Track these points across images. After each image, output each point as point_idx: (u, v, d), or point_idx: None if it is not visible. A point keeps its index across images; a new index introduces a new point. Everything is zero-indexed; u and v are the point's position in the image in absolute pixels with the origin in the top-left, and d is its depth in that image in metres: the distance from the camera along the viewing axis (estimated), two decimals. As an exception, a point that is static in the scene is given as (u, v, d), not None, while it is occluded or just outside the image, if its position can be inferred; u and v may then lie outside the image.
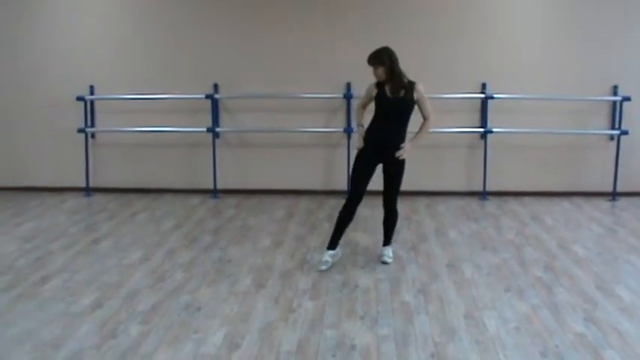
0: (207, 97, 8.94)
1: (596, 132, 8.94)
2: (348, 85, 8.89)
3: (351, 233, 7.19)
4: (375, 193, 8.59)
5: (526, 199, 8.87)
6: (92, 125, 9.30)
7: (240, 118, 9.23)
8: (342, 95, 8.86)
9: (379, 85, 6.00)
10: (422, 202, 8.71)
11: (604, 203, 8.74)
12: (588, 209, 8.39)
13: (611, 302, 5.26)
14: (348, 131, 8.84)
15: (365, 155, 6.03)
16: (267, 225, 7.65)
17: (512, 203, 8.67)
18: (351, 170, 6.20)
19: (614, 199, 8.88)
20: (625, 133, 8.73)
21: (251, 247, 6.78)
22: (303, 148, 9.23)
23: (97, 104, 9.32)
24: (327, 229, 7.42)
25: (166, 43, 9.16)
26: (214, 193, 9.13)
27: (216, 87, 9.09)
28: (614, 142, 8.89)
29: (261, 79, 9.07)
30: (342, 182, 9.05)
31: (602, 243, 6.98)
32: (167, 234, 7.28)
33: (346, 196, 6.22)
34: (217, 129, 9.07)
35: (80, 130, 9.14)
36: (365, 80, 8.81)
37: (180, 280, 5.76)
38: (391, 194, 6.13)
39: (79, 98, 9.09)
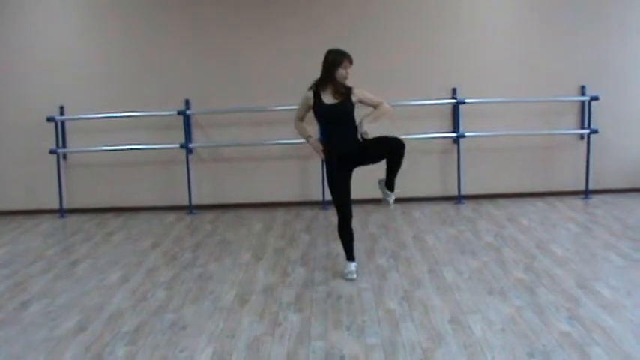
0: (179, 113, 8.92)
1: (567, 132, 9.04)
2: (320, 96, 8.90)
3: (331, 244, 7.23)
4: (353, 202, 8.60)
5: (501, 201, 8.94)
6: (64, 146, 9.23)
7: (212, 133, 9.21)
8: (313, 106, 8.86)
9: (315, 93, 5.97)
10: (398, 209, 8.72)
11: (577, 202, 8.83)
12: (563, 208, 8.47)
13: (592, 300, 5.32)
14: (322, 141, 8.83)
15: (335, 171, 6.02)
16: (245, 239, 7.64)
17: (488, 206, 8.73)
18: (329, 189, 6.16)
19: (587, 198, 8.97)
20: (595, 132, 8.83)
21: (231, 262, 6.76)
22: (277, 160, 9.23)
23: (67, 125, 9.25)
24: (306, 240, 7.46)
25: (136, 60, 9.13)
26: (190, 209, 9.10)
27: (187, 103, 9.07)
28: (585, 142, 8.99)
29: (232, 94, 9.06)
30: (317, 193, 9.07)
31: (579, 241, 7.05)
32: (145, 253, 7.24)
33: (338, 218, 6.16)
34: (190, 145, 9.04)
35: (52, 152, 9.06)
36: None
37: (163, 299, 5.73)
38: (385, 142, 5.92)
39: (50, 119, 9.01)
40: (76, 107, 9.16)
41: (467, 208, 8.73)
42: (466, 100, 8.76)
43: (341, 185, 6.03)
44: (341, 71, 5.85)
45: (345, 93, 5.89)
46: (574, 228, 7.56)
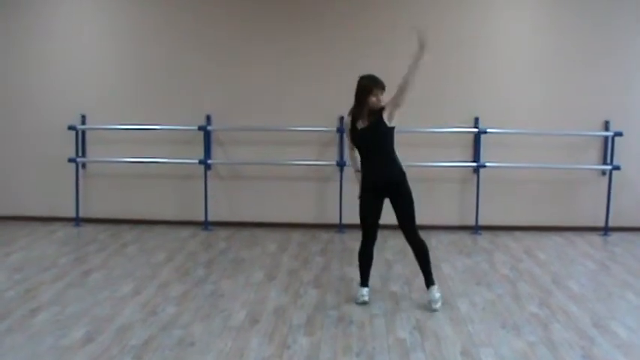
0: (199, 128, 8.92)
1: (589, 167, 8.96)
2: (341, 119, 8.88)
3: (345, 267, 7.18)
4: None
5: (518, 233, 8.86)
6: (83, 155, 9.25)
7: (232, 150, 9.20)
8: (334, 128, 8.85)
9: (352, 119, 5.92)
10: (414, 235, 8.68)
11: (596, 238, 8.73)
12: (581, 244, 8.38)
13: (607, 339, 5.23)
14: (341, 164, 8.82)
15: (368, 198, 5.95)
16: (259, 258, 7.60)
17: (505, 238, 8.65)
18: (359, 210, 6.04)
19: (606, 234, 8.88)
20: (617, 168, 8.76)
21: (244, 280, 6.72)
22: (295, 181, 9.20)
23: (88, 134, 9.28)
24: (321, 263, 7.41)
25: (159, 74, 9.16)
26: (206, 225, 9.07)
27: (208, 119, 9.07)
28: (606, 177, 8.91)
29: (253, 111, 9.06)
30: (334, 216, 9.02)
31: (596, 279, 6.96)
32: (159, 266, 7.21)
33: (361, 239, 6.10)
34: (209, 161, 9.04)
35: (71, 160, 9.09)
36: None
37: (173, 314, 5.69)
38: (408, 225, 5.95)
39: (71, 127, 9.05)
40: (97, 117, 9.19)
41: (484, 238, 8.65)
42: (488, 130, 8.71)
43: (370, 208, 5.96)
44: (372, 99, 5.78)
45: (376, 114, 5.81)
46: (591, 265, 7.47)
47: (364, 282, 6.12)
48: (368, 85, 5.80)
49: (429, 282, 5.99)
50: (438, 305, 5.86)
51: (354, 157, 6.15)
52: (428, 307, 5.89)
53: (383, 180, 5.89)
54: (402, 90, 5.69)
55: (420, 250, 6.01)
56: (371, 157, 5.90)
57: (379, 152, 5.88)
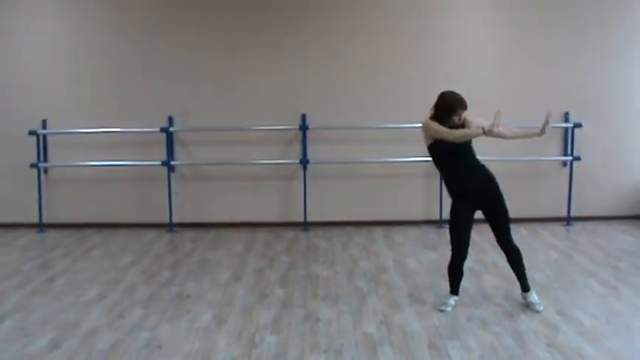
0: (161, 130, 8.88)
1: (550, 158, 9.06)
2: (304, 117, 8.90)
3: (311, 266, 7.19)
4: (332, 224, 8.61)
5: (483, 226, 8.83)
6: (45, 160, 9.16)
7: (195, 151, 9.17)
8: (297, 127, 8.87)
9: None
10: (379, 232, 8.71)
11: (559, 228, 8.84)
12: (544, 235, 8.47)
13: (572, 328, 5.31)
14: (304, 162, 8.84)
15: (463, 210, 5.78)
16: (225, 259, 7.59)
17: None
18: (451, 225, 5.87)
19: (569, 224, 8.99)
20: (577, 159, 8.88)
21: (210, 281, 6.71)
22: (259, 180, 9.20)
23: (49, 138, 9.19)
24: (286, 261, 7.42)
25: (120, 76, 9.09)
26: (170, 227, 9.04)
27: (170, 120, 9.03)
28: (567, 168, 9.02)
29: (215, 112, 9.04)
30: (298, 214, 9.05)
31: (559, 268, 7.06)
32: (124, 270, 7.17)
33: (452, 253, 5.88)
34: (172, 162, 9.00)
35: (33, 165, 9.00)
36: (320, 111, 8.87)
37: (140, 317, 5.66)
38: (506, 231, 5.85)
39: (32, 132, 8.96)
40: (58, 121, 9.10)
41: (448, 232, 8.68)
42: (450, 125, 8.76)
43: (466, 221, 5.79)
44: (455, 118, 5.64)
45: (461, 126, 5.68)
46: (555, 255, 7.57)
47: (455, 290, 5.94)
48: (453, 106, 5.63)
49: (525, 287, 5.88)
50: (542, 307, 5.72)
51: (462, 130, 5.68)
52: (398, 303, 5.93)
53: (476, 185, 5.78)
54: (489, 133, 5.37)
55: (515, 256, 5.88)
56: (461, 163, 5.77)
57: (465, 158, 5.80)
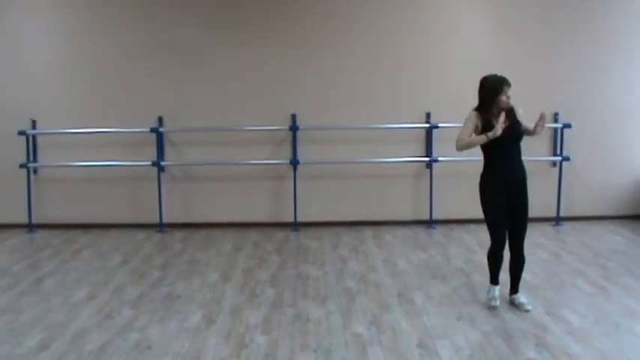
0: (152, 130, 8.87)
1: (540, 158, 9.08)
2: (294, 117, 8.90)
3: (301, 265, 7.20)
4: (321, 224, 8.62)
5: (472, 226, 8.93)
6: (34, 160, 9.13)
7: (185, 151, 9.16)
8: (287, 127, 8.87)
9: (482, 115, 5.76)
10: (369, 232, 8.72)
11: (549, 228, 8.87)
12: (533, 235, 8.45)
13: (560, 327, 5.34)
14: (294, 163, 8.84)
15: (499, 201, 5.77)
16: (215, 259, 7.59)
17: (459, 231, 8.74)
18: (486, 214, 5.88)
19: (558, 224, 9.02)
20: (567, 159, 8.92)
21: (200, 281, 6.71)
22: (249, 180, 9.19)
23: (39, 139, 9.16)
24: (276, 261, 7.42)
25: (110, 76, 9.06)
26: (160, 227, 9.03)
27: (160, 120, 9.02)
28: (557, 169, 9.05)
29: (206, 112, 9.03)
30: (289, 214, 9.04)
31: (548, 268, 7.08)
32: (114, 270, 7.16)
33: (491, 243, 5.89)
34: (162, 163, 8.99)
35: (22, 166, 8.97)
36: (310, 112, 8.89)
37: (129, 318, 5.66)
38: (522, 234, 5.87)
39: (21, 133, 8.93)
40: (48, 121, 9.06)
41: (438, 232, 8.73)
42: (439, 125, 8.79)
43: (501, 210, 5.77)
44: (503, 98, 5.69)
45: (512, 116, 5.72)
46: (544, 254, 7.59)
47: (496, 280, 5.97)
48: (499, 85, 5.69)
49: (516, 290, 5.93)
50: (531, 307, 5.78)
51: (472, 138, 5.74)
52: (387, 303, 5.95)
53: (515, 178, 5.81)
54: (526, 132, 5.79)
55: (521, 261, 5.90)
56: (504, 155, 5.77)
57: (514, 151, 5.81)
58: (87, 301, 6.11)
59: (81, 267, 7.35)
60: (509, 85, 5.72)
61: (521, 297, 5.89)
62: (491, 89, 5.70)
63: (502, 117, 5.54)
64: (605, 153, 9.20)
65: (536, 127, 5.80)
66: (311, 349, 4.96)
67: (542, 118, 5.78)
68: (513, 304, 5.87)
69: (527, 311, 5.71)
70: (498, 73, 5.79)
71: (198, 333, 5.31)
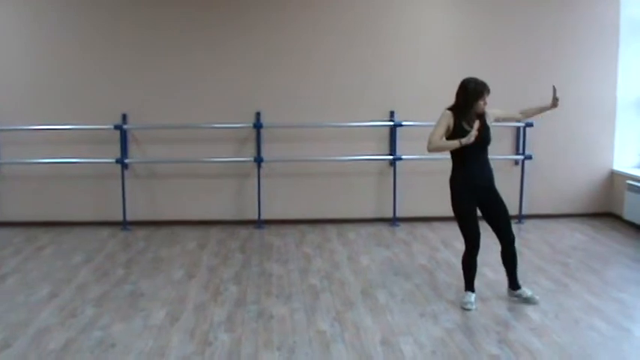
0: (115, 127, 8.81)
1: (502, 157, 9.15)
2: (258, 115, 8.90)
3: (265, 263, 7.21)
4: (286, 221, 8.63)
5: (435, 224, 9.00)
6: (-5, 158, 9.05)
7: (149, 148, 9.11)
8: (251, 124, 8.86)
9: (455, 116, 5.79)
10: (333, 229, 8.74)
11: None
12: (496, 232, 8.57)
13: (522, 323, 5.42)
14: (258, 161, 8.84)
15: (468, 200, 5.84)
16: (179, 257, 7.57)
17: (422, 228, 8.79)
18: (458, 218, 5.92)
19: (520, 222, 9.11)
20: (529, 157, 9.01)
21: (164, 279, 6.69)
22: (213, 178, 9.17)
23: (0, 135, 9.05)
24: (240, 259, 7.42)
25: (73, 72, 8.97)
26: (124, 225, 8.96)
27: (124, 117, 8.96)
28: (519, 167, 9.15)
29: (170, 110, 8.98)
30: (253, 212, 9.04)
31: (510, 265, 7.15)
32: (76, 268, 7.11)
33: (466, 246, 5.95)
34: (126, 160, 8.93)
35: (-18, 163, 8.88)
36: (275, 110, 8.88)
37: (92, 316, 5.63)
38: (507, 225, 5.95)
39: (-19, 130, 8.84)
40: (9, 117, 8.93)
41: (402, 230, 8.78)
42: (403, 123, 8.83)
43: (472, 214, 5.84)
44: (480, 103, 5.75)
45: (482, 118, 5.79)
46: (506, 252, 7.67)
47: (470, 286, 5.97)
48: (479, 90, 5.74)
49: (516, 285, 6.01)
50: (538, 297, 5.92)
51: (444, 142, 5.80)
52: (351, 300, 5.98)
53: (483, 181, 5.88)
54: (513, 118, 6.41)
55: (514, 253, 5.99)
56: (475, 159, 5.84)
57: (483, 154, 5.91)
58: (49, 300, 6.06)
59: (42, 265, 7.27)
60: (489, 91, 5.80)
61: (527, 290, 5.98)
62: (473, 92, 5.76)
63: (477, 124, 5.60)
64: (566, 152, 9.30)
65: (555, 101, 6.15)
66: (275, 346, 4.97)
67: (555, 91, 6.13)
68: (515, 297, 5.98)
69: (536, 303, 5.83)
70: (479, 78, 5.86)
71: (162, 331, 5.30)
